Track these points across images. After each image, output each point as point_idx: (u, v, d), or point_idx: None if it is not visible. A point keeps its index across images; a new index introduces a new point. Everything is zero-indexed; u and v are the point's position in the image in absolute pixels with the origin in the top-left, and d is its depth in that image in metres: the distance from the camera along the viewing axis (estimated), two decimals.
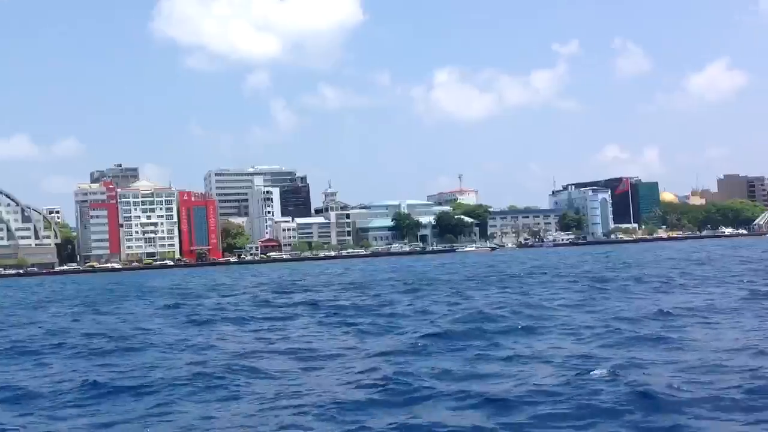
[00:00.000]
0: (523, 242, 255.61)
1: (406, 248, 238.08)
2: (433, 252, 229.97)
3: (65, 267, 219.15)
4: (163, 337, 33.06)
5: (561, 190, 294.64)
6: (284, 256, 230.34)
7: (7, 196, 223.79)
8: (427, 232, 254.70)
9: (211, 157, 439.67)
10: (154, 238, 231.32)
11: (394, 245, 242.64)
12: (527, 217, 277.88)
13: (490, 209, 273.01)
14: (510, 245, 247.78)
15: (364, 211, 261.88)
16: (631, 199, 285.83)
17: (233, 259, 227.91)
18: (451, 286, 60.54)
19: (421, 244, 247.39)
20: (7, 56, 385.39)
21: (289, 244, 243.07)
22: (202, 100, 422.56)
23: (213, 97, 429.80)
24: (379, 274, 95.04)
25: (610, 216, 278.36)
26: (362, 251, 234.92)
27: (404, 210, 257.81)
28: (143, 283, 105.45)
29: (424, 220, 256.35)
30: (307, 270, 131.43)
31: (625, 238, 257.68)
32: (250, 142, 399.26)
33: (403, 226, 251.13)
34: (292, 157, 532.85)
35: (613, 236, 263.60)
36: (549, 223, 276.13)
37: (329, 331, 32.41)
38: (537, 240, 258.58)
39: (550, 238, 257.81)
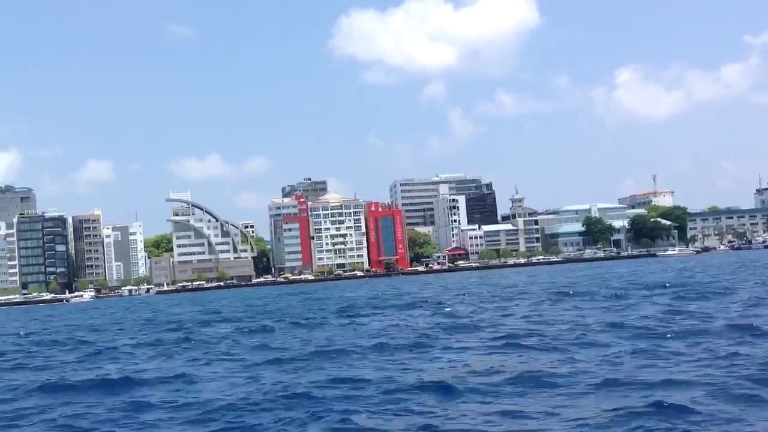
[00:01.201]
0: (729, 244, 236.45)
1: (600, 253, 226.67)
2: (629, 257, 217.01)
3: (261, 279, 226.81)
4: None
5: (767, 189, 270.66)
6: (473, 265, 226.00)
7: (208, 213, 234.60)
8: (620, 236, 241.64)
9: (390, 168, 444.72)
10: (343, 249, 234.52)
11: (587, 251, 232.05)
12: (731, 218, 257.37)
13: (688, 211, 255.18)
14: (722, 248, 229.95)
15: (552, 216, 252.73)
16: None
17: (421, 268, 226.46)
18: None
19: (615, 249, 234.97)
20: (200, 85, 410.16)
21: (477, 252, 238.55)
22: (380, 113, 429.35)
23: (391, 109, 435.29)
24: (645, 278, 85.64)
25: None
26: (552, 258, 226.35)
27: (595, 214, 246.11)
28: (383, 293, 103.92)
29: (617, 224, 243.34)
30: (516, 277, 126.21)
31: None
32: (428, 152, 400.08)
33: (595, 231, 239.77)
34: (471, 166, 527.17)
35: None
36: (755, 224, 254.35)
37: None
38: (744, 242, 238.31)
39: (759, 239, 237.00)
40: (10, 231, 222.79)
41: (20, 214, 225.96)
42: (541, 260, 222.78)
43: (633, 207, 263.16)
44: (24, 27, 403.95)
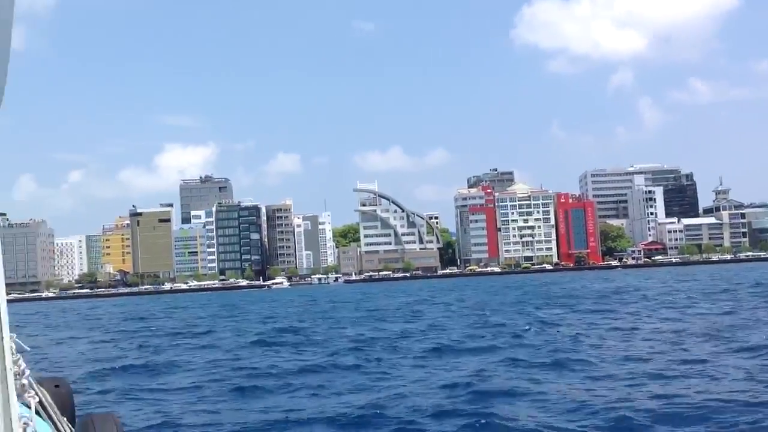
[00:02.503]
0: None
1: None
2: None
3: (447, 271, 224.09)
4: None
5: None
6: (672, 260, 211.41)
7: (394, 203, 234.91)
8: None
9: (575, 159, 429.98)
10: (531, 241, 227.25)
11: None
12: None
13: None
14: None
15: (761, 210, 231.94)
16: None
17: (614, 263, 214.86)
18: None
19: None
20: (381, 79, 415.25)
21: (676, 247, 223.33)
22: (564, 103, 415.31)
23: (575, 99, 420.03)
24: None
25: None
26: (762, 254, 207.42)
27: None
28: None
29: None
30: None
31: None
32: (614, 142, 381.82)
33: None
34: (664, 156, 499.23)
35: None
36: None
37: None
38: None
39: None
40: (209, 219, 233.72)
41: (218, 203, 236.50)
42: (750, 257, 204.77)
43: None
44: (220, 32, 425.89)
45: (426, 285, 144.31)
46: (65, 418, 3.63)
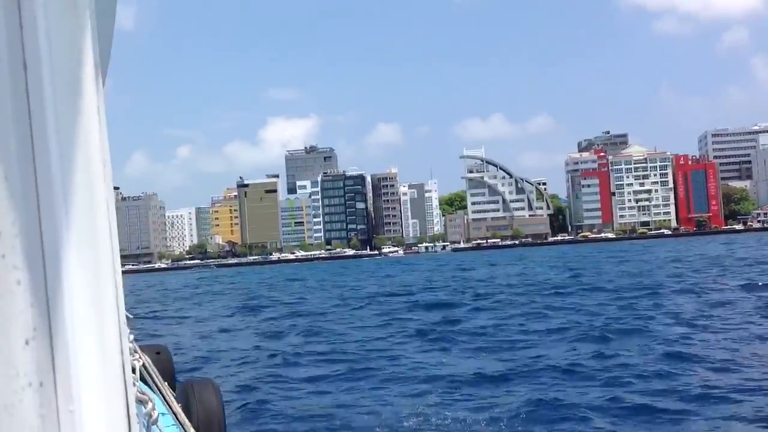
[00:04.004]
0: None
1: None
2: None
3: (558, 237, 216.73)
4: None
5: None
6: None
7: (502, 169, 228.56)
8: None
9: (685, 120, 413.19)
10: (648, 206, 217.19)
11: None
12: None
13: None
14: None
15: None
16: None
17: (738, 226, 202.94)
18: None
19: None
20: (480, 46, 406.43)
21: None
22: (673, 64, 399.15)
23: (684, 60, 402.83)
24: None
25: None
26: None
27: None
28: None
29: None
30: None
31: None
32: (726, 103, 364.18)
33: None
34: None
35: None
36: None
37: None
38: None
39: None
40: (315, 189, 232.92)
41: (324, 173, 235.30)
42: None
43: None
44: (318, 6, 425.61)
45: (556, 252, 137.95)
46: (166, 383, 3.75)
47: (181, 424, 3.35)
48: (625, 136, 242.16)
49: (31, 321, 0.90)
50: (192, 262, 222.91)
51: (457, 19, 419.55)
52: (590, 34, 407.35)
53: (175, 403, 3.56)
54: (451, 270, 77.65)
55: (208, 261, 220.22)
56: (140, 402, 2.24)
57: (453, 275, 65.53)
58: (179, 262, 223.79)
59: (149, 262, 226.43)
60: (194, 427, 3.40)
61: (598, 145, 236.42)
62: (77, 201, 0.94)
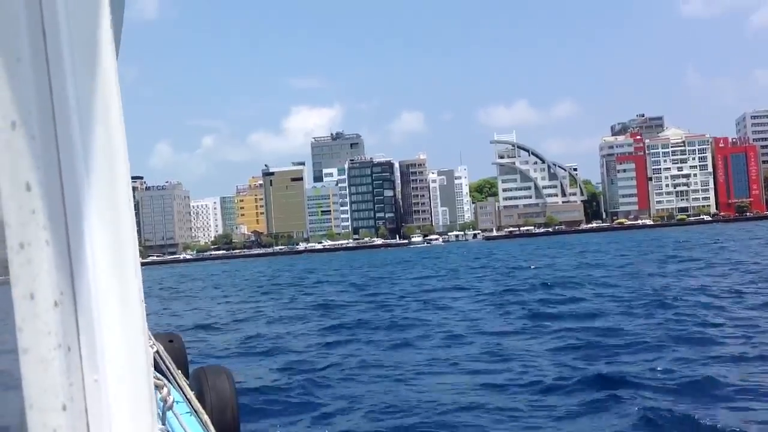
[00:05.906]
0: None
1: None
2: None
3: (593, 224, 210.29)
4: None
5: None
6: None
7: (534, 154, 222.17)
8: None
9: (714, 102, 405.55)
10: (686, 191, 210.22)
11: None
12: None
13: None
14: None
15: None
16: None
17: None
18: None
19: None
20: (504, 32, 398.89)
21: None
22: (699, 45, 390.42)
23: (711, 41, 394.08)
24: None
25: None
26: None
27: None
28: None
29: None
30: None
31: None
32: (755, 85, 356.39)
33: None
34: None
35: None
36: None
37: None
38: None
39: None
40: (342, 177, 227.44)
41: (350, 160, 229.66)
42: None
43: None
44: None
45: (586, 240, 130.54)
46: (180, 371, 3.85)
47: (195, 410, 3.39)
48: (660, 118, 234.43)
49: (58, 284, 0.93)
50: (217, 252, 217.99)
51: (477, 4, 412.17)
52: (616, 18, 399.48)
53: (188, 389, 3.65)
54: (535, 259, 66.21)
55: (234, 251, 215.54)
56: (156, 387, 2.22)
57: (553, 266, 53.94)
58: (204, 253, 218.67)
59: (174, 253, 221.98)
60: (208, 413, 3.44)
61: (633, 128, 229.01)
62: (97, 164, 0.97)
